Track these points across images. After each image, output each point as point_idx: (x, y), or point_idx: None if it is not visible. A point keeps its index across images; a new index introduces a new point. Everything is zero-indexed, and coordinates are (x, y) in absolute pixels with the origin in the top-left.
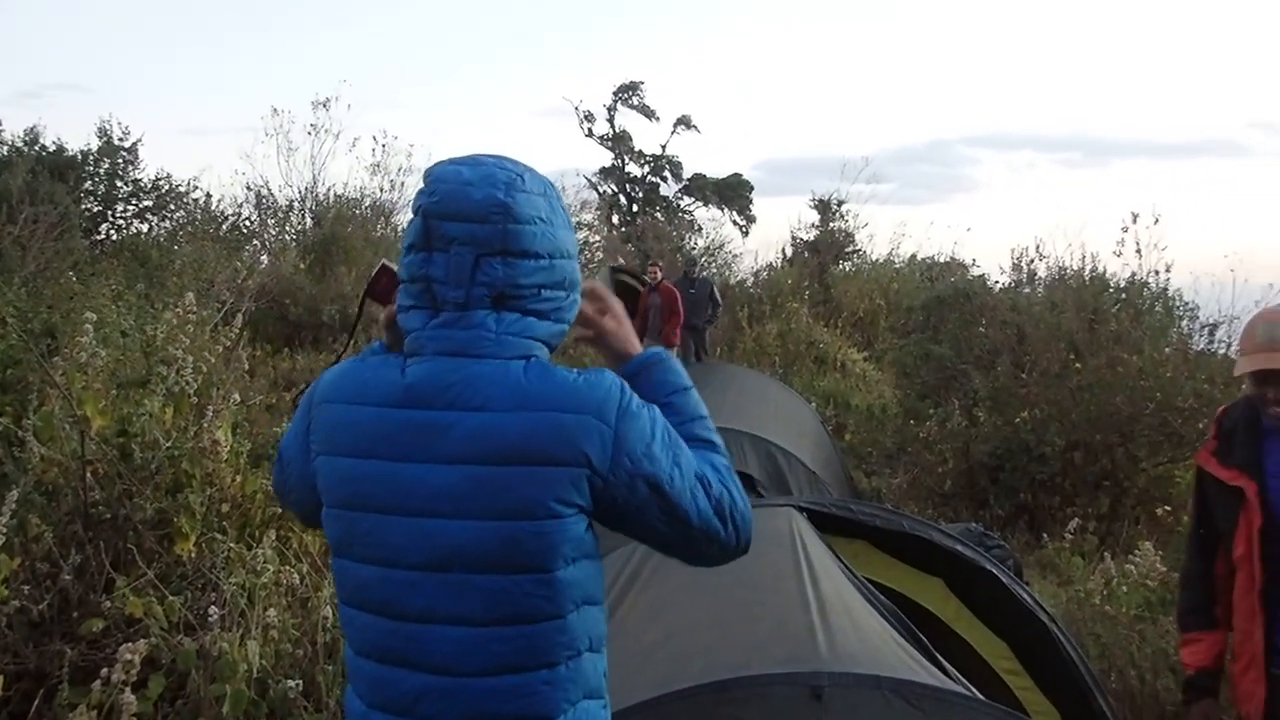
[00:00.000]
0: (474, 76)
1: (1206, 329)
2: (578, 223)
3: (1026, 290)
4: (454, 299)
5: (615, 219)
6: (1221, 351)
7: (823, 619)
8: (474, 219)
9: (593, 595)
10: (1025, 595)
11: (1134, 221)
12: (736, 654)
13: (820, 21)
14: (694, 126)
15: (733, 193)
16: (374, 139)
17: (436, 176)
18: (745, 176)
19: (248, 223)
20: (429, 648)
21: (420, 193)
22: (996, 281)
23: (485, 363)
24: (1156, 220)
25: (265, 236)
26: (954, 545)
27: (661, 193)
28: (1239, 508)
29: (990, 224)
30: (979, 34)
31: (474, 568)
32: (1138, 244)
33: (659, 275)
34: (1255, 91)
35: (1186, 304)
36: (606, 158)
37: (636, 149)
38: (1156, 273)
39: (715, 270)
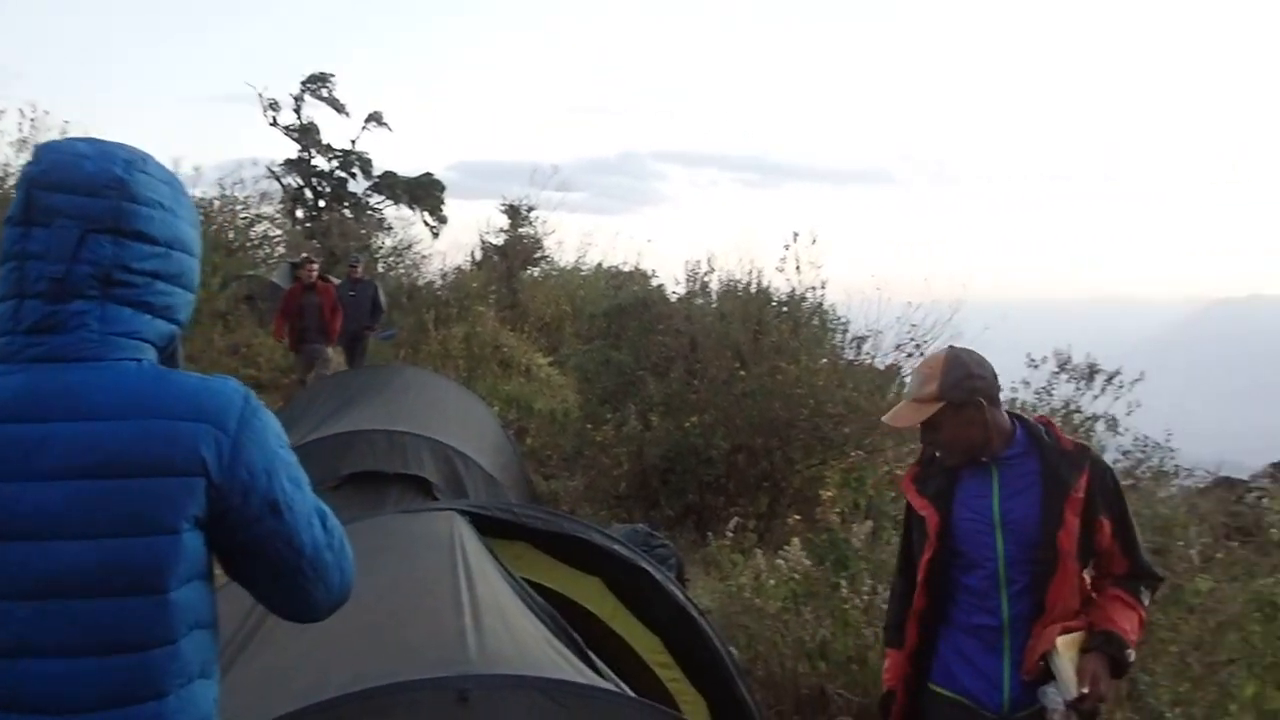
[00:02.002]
0: (148, 53)
1: (855, 341)
2: (257, 215)
3: (700, 301)
4: (51, 275)
5: (300, 213)
6: (867, 362)
7: (475, 622)
8: (84, 191)
9: (204, 618)
10: (677, 592)
11: (795, 240)
12: (385, 661)
13: (519, 28)
14: (385, 124)
15: (424, 192)
16: (21, 113)
17: (48, 147)
18: (438, 177)
19: None
20: (23, 685)
21: (28, 163)
22: (674, 292)
23: (89, 367)
24: (814, 240)
25: None
26: (612, 545)
27: (350, 189)
28: (926, 536)
29: (676, 235)
30: (672, 52)
31: (77, 592)
32: (798, 261)
33: (314, 273)
34: (908, 127)
35: (839, 318)
36: (292, 149)
37: (325, 142)
38: (814, 289)
39: (403, 270)
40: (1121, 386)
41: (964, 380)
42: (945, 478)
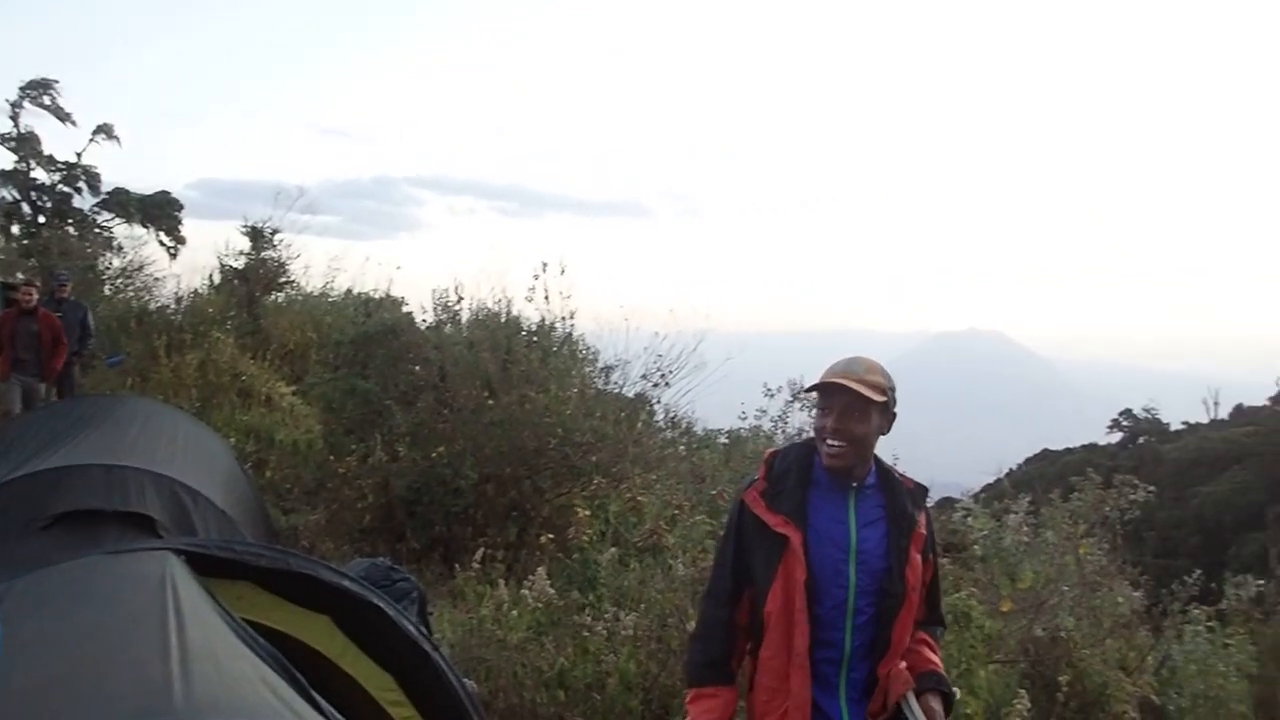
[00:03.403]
0: None
1: (604, 371)
2: None
3: (450, 329)
4: None
5: (15, 229)
6: (616, 391)
7: (184, 667)
8: None
9: None
10: (410, 627)
11: (545, 270)
12: (80, 714)
13: (266, 43)
14: (115, 136)
15: (159, 211)
16: None
17: None
18: (176, 195)
19: None
20: None
21: None
22: (423, 320)
23: None
24: (564, 270)
25: None
26: (342, 581)
27: (75, 205)
28: (780, 558)
29: (433, 262)
30: (430, 77)
31: None
32: (547, 291)
33: (33, 297)
34: (668, 163)
35: (589, 348)
36: (8, 160)
37: (46, 154)
38: (564, 318)
39: (134, 293)
40: None
41: (894, 392)
42: (796, 497)
